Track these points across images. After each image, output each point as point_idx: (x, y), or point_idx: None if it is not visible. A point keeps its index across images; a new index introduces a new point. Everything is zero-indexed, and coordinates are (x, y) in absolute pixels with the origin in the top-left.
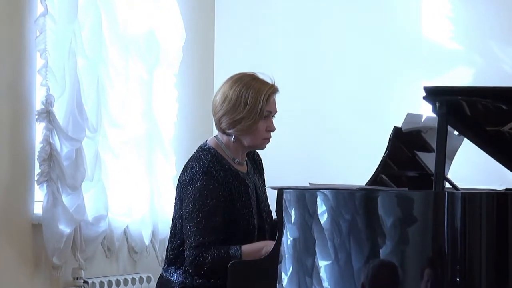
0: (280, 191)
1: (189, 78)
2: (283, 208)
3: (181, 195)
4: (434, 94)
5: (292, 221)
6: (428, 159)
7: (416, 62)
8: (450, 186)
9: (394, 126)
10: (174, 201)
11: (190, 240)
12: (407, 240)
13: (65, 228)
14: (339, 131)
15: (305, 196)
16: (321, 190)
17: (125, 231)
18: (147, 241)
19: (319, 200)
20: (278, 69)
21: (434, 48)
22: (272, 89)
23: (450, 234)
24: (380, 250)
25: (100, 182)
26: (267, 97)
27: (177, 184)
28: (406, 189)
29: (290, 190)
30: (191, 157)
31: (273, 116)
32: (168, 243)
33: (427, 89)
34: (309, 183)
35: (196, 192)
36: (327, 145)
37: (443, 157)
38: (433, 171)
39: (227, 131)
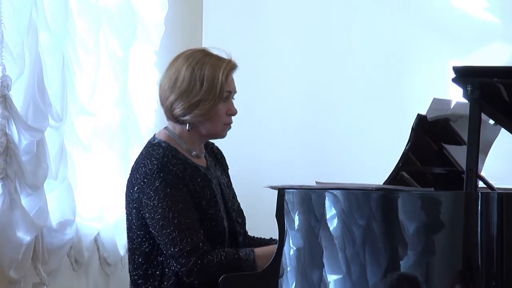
0: (281, 191)
1: (172, 56)
2: (285, 212)
3: (136, 202)
4: (465, 75)
5: (296, 227)
6: (458, 153)
7: (444, 38)
8: (484, 186)
9: (418, 114)
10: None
11: (177, 247)
12: (433, 250)
13: (24, 236)
14: (350, 120)
15: (311, 198)
16: (330, 190)
17: (96, 239)
18: (122, 251)
19: (327, 202)
20: (278, 45)
21: (465, 20)
22: (230, 65)
23: (484, 242)
24: (401, 262)
25: (66, 181)
26: (225, 74)
27: (126, 191)
28: (432, 189)
29: (293, 190)
30: (138, 155)
31: (233, 97)
32: (129, 262)
33: (457, 70)
34: (316, 182)
35: (159, 193)
36: (336, 137)
37: (476, 151)
38: (464, 168)
39: (182, 118)
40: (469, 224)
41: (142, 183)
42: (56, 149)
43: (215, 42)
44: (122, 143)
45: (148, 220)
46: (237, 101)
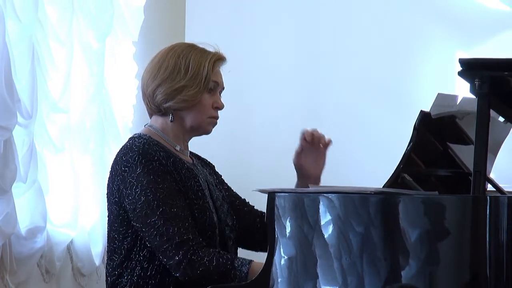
0: (272, 195)
1: (152, 48)
2: (276, 218)
3: (117, 195)
4: (473, 68)
5: (287, 234)
6: (465, 154)
7: (450, 27)
8: (494, 189)
9: (421, 111)
10: (107, 212)
11: (164, 238)
12: (437, 259)
13: None
14: (347, 118)
15: (304, 202)
16: (324, 194)
17: (68, 248)
18: (97, 261)
19: (322, 207)
20: (268, 37)
21: (473, 8)
22: (217, 55)
23: (493, 251)
24: (402, 272)
25: (36, 184)
26: (212, 63)
27: (108, 190)
28: (436, 192)
29: (284, 194)
30: (117, 152)
31: (220, 92)
32: (108, 265)
33: (463, 62)
34: (309, 185)
35: (141, 180)
36: (332, 136)
37: (484, 151)
38: (471, 169)
39: (164, 105)
40: (477, 231)
41: (123, 173)
42: (25, 149)
43: (198, 32)
44: (97, 143)
45: (130, 213)
46: (228, 96)
